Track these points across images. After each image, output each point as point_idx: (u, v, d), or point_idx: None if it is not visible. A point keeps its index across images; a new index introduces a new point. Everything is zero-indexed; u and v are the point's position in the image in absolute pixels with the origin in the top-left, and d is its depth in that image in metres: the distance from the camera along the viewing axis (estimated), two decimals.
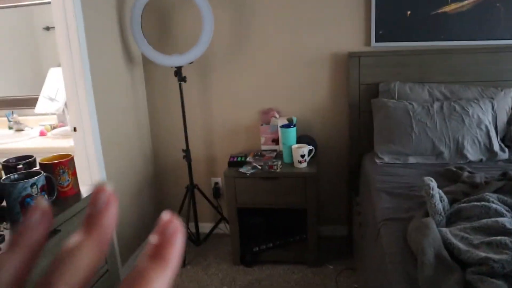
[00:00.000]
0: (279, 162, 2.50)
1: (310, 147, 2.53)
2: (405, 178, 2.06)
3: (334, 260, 2.67)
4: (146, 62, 2.92)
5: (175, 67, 2.65)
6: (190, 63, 2.63)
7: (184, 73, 2.71)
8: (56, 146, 2.54)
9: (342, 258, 2.69)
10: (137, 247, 2.82)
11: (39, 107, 2.85)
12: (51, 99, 2.83)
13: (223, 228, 3.11)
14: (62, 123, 3.05)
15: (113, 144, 2.56)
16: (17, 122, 3.09)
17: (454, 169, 2.03)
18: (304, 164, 2.51)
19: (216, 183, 3.05)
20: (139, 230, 2.86)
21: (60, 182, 1.42)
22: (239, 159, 2.63)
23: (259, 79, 2.80)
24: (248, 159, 2.66)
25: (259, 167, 2.53)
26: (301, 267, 2.61)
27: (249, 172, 2.49)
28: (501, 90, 2.48)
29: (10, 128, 3.11)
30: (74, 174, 1.48)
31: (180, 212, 2.96)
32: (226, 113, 2.90)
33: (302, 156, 2.49)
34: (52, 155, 1.48)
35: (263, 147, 2.82)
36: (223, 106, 2.89)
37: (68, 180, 1.44)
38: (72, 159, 1.47)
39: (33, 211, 0.26)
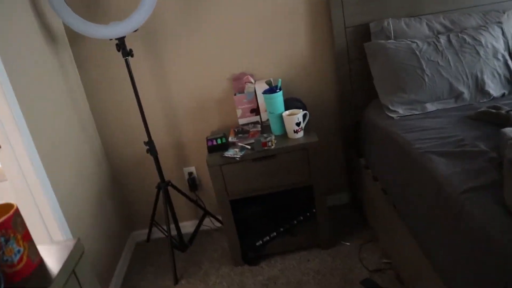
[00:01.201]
0: (272, 137, 2.04)
1: (304, 111, 2.09)
2: (438, 131, 1.70)
3: (347, 236, 2.32)
4: (74, 39, 2.27)
5: (116, 39, 2.05)
6: (135, 31, 2.04)
7: (128, 45, 2.12)
8: None
9: (355, 230, 2.35)
10: (111, 276, 2.28)
11: None
12: None
13: (208, 223, 2.64)
14: None
15: (56, 155, 1.95)
16: None
17: (493, 110, 1.70)
18: (301, 133, 2.08)
19: (190, 173, 2.54)
20: (107, 252, 2.31)
21: (4, 259, 0.87)
22: (219, 141, 2.13)
23: (222, 40, 2.27)
24: (230, 139, 2.17)
25: (248, 147, 2.06)
26: (315, 251, 2.24)
27: (238, 156, 2.02)
28: (504, 13, 2.16)
29: None
30: (27, 236, 0.93)
31: (154, 217, 2.44)
32: (189, 87, 2.36)
33: (298, 124, 2.05)
34: None
35: (242, 121, 2.33)
36: (184, 80, 2.34)
37: (18, 251, 0.89)
38: (16, 212, 0.92)
39: None
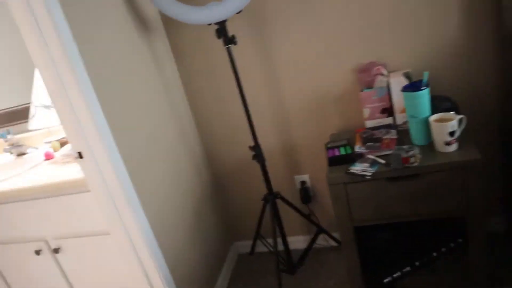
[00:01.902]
0: (416, 150, 1.53)
1: (460, 116, 1.54)
2: None
3: (509, 277, 1.74)
4: (170, 25, 1.95)
5: (216, 24, 1.68)
6: (238, 13, 1.65)
7: (231, 30, 1.74)
8: (71, 179, 1.66)
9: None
10: None
11: (34, 121, 1.98)
12: (47, 107, 1.94)
13: (323, 240, 2.23)
14: None
15: (146, 163, 1.66)
16: (15, 145, 2.24)
17: None
18: (455, 146, 1.54)
19: (303, 183, 2.12)
20: (207, 263, 2.01)
21: None
22: (342, 150, 1.68)
23: (345, 20, 1.78)
24: (357, 149, 1.70)
25: (382, 162, 1.58)
26: None
27: (368, 173, 1.55)
28: None
29: (9, 152, 2.27)
30: None
31: (259, 230, 2.09)
32: (303, 81, 1.92)
33: (452, 133, 1.51)
34: None
35: (370, 123, 1.85)
36: (297, 71, 1.91)
37: None
38: None
39: None
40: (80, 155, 1.42)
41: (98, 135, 1.38)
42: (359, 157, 1.66)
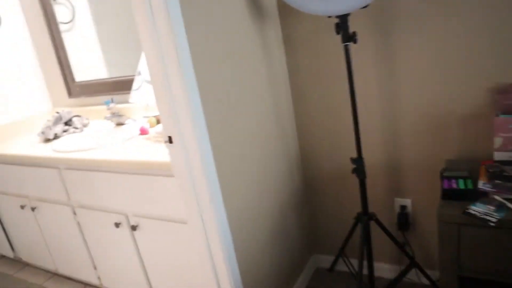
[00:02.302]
0: None
1: None
2: None
3: None
4: (285, 14, 1.80)
5: (337, 17, 1.49)
6: (364, 7, 1.44)
7: (352, 26, 1.54)
8: (159, 162, 1.60)
9: None
10: None
11: (136, 94, 1.96)
12: (149, 82, 1.91)
13: (414, 275, 1.96)
14: None
15: (236, 156, 1.54)
16: (115, 114, 2.27)
17: None
18: None
19: (403, 208, 1.87)
20: (284, 269, 1.86)
21: None
22: (461, 184, 1.41)
23: (488, 25, 1.48)
24: (481, 185, 1.41)
25: None
26: None
27: (493, 219, 1.26)
28: None
29: (109, 120, 2.31)
30: None
31: (343, 250, 1.88)
32: (424, 93, 1.66)
33: None
34: None
35: (499, 156, 1.53)
36: (419, 81, 1.65)
37: None
38: None
39: None
40: (170, 140, 1.34)
41: (191, 123, 1.28)
42: (483, 195, 1.37)
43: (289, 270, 1.96)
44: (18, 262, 2.85)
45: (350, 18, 1.65)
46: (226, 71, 1.47)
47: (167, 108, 1.30)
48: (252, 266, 1.67)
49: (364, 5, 1.41)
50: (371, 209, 1.92)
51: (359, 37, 1.65)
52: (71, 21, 2.51)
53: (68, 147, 2.04)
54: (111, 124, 2.31)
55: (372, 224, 1.93)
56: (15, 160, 2.20)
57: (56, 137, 2.29)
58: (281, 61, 1.84)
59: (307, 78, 1.85)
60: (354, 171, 1.66)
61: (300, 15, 1.76)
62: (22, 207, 2.34)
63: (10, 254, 2.75)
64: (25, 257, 2.68)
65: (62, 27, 2.57)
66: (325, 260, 2.19)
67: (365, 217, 1.71)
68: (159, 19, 1.21)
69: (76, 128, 2.36)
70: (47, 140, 2.28)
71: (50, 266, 2.49)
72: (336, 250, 2.15)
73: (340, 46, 1.72)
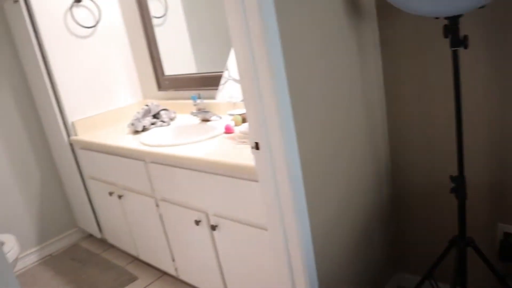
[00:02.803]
0: None
1: None
2: None
3: None
4: (385, 14, 1.66)
5: (446, 19, 1.33)
6: (481, 7, 1.27)
7: (463, 30, 1.37)
8: (243, 165, 1.56)
9: None
10: None
11: (223, 92, 1.94)
12: (237, 81, 1.87)
13: None
14: None
15: (323, 166, 1.46)
16: (201, 110, 2.28)
17: None
18: None
19: (508, 235, 1.66)
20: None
21: None
22: None
23: None
24: None
25: None
26: None
27: None
28: None
29: (195, 116, 2.33)
30: None
31: (432, 273, 1.72)
32: None
33: None
34: None
35: None
36: None
37: None
38: None
39: None
40: (257, 146, 1.28)
41: (280, 130, 1.21)
42: None
43: (370, 286, 1.84)
44: (104, 243, 3.01)
45: (462, 20, 1.48)
46: (318, 75, 1.38)
47: (255, 113, 1.25)
48: (332, 279, 1.58)
49: (481, 4, 1.24)
50: (469, 233, 1.73)
51: (473, 41, 1.47)
52: (163, 15, 2.56)
53: (155, 141, 2.08)
54: (196, 120, 2.33)
55: (470, 250, 1.74)
56: (107, 149, 2.30)
57: (144, 129, 2.36)
58: (376, 65, 1.71)
59: (405, 85, 1.70)
60: (453, 190, 1.50)
61: (402, 16, 1.61)
62: (111, 194, 2.45)
63: (97, 234, 2.91)
64: (110, 239, 2.82)
65: (154, 22, 2.64)
66: (409, 280, 2.03)
67: (462, 242, 1.54)
68: (252, 17, 1.15)
69: (163, 121, 2.41)
70: (136, 132, 2.36)
71: (132, 251, 2.59)
72: (422, 271, 1.98)
73: (448, 52, 1.55)
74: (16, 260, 2.31)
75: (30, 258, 2.95)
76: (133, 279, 2.53)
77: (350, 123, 1.58)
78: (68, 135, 2.66)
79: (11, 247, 2.30)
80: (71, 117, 2.60)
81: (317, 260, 1.48)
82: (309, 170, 1.38)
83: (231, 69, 1.90)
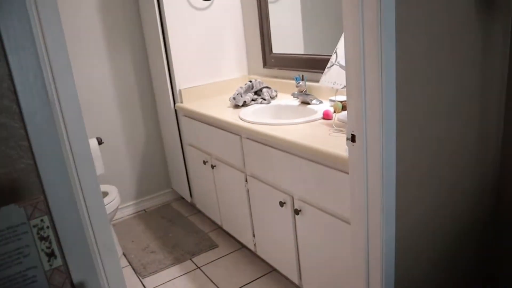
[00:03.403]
0: None
1: None
2: None
3: None
4: None
5: None
6: None
7: None
8: (337, 155, 1.51)
9: None
10: None
11: (327, 76, 1.89)
12: (343, 67, 1.81)
13: None
14: None
15: (420, 167, 1.36)
16: (303, 92, 2.26)
17: None
18: None
19: None
20: None
21: None
22: None
23: None
24: None
25: None
26: None
27: None
28: None
29: (295, 97, 2.32)
30: None
31: None
32: None
33: None
34: None
35: None
36: None
37: None
38: None
39: None
40: (353, 138, 1.23)
41: (379, 125, 1.15)
42: None
43: None
44: (192, 207, 3.18)
45: None
46: (429, 72, 1.27)
47: (356, 104, 1.19)
48: (409, 286, 1.49)
49: None
50: None
51: None
52: None
53: (253, 118, 2.11)
54: (296, 102, 2.31)
55: None
56: (207, 119, 2.40)
57: (244, 104, 2.40)
58: (502, 64, 1.53)
59: None
60: None
61: None
62: (205, 162, 2.56)
63: (188, 198, 3.08)
64: (199, 205, 2.96)
65: None
66: None
67: None
68: (367, 4, 1.09)
69: (264, 99, 2.43)
70: (236, 106, 2.41)
71: (217, 220, 2.70)
72: None
73: None
74: (116, 210, 2.53)
75: (127, 210, 3.22)
76: (213, 246, 2.63)
77: (458, 126, 1.44)
78: (174, 102, 2.81)
79: (114, 197, 2.52)
80: (179, 85, 2.74)
81: (397, 263, 1.40)
82: (404, 170, 1.29)
83: (339, 54, 1.84)
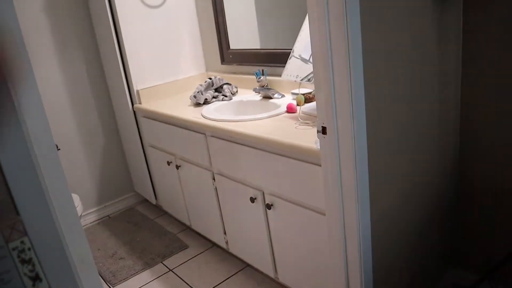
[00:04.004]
0: None
1: None
2: None
3: None
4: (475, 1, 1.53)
5: None
6: None
7: None
8: (306, 147, 1.52)
9: None
10: None
11: (288, 70, 1.90)
12: (304, 60, 1.82)
13: None
14: None
15: (390, 155, 1.40)
16: (264, 87, 2.26)
17: None
18: None
19: None
20: (411, 286, 1.70)
21: None
22: None
23: None
24: None
25: None
26: None
27: None
28: None
29: (257, 92, 2.31)
30: None
31: (492, 274, 1.63)
32: None
33: None
34: None
35: None
36: None
37: None
38: None
39: None
40: (324, 131, 1.24)
41: (350, 115, 1.17)
42: None
43: (422, 280, 1.78)
44: (158, 209, 3.12)
45: None
46: (394, 62, 1.31)
47: (326, 97, 1.21)
48: (386, 270, 1.54)
49: None
50: None
51: None
52: None
53: (216, 115, 2.09)
54: (258, 97, 2.31)
55: None
56: (169, 119, 2.35)
57: (206, 102, 2.38)
58: (457, 56, 1.59)
59: (487, 78, 1.58)
60: None
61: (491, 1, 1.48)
62: (169, 163, 2.51)
63: (153, 200, 3.01)
64: (165, 206, 2.91)
65: None
66: (465, 277, 1.94)
67: None
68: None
69: (225, 96, 2.41)
70: (197, 104, 2.38)
71: (185, 220, 2.66)
72: (481, 270, 1.88)
73: None
74: (79, 217, 2.44)
75: (90, 218, 3.11)
76: (183, 247, 2.60)
77: (420, 115, 1.50)
78: (132, 103, 2.73)
79: (76, 205, 2.43)
80: (136, 86, 2.67)
81: (373, 250, 1.44)
82: (375, 158, 1.32)
83: (299, 47, 1.86)
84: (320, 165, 1.38)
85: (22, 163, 0.71)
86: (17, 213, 0.70)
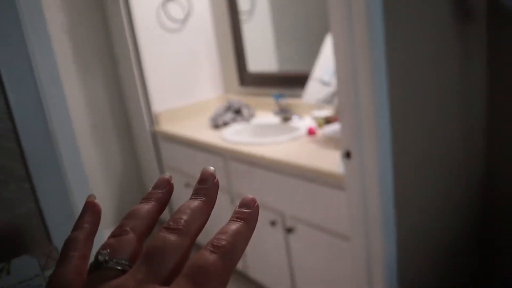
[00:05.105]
0: None
1: None
2: None
3: None
4: (496, 17, 1.52)
5: None
6: None
7: None
8: (329, 171, 1.50)
9: None
10: None
11: (309, 93, 1.90)
12: (323, 83, 1.82)
13: None
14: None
15: (416, 179, 1.37)
16: (283, 110, 2.26)
17: None
18: None
19: None
20: None
21: None
22: None
23: None
24: None
25: None
26: None
27: None
28: None
29: (276, 115, 2.31)
30: None
31: None
32: None
33: None
34: None
35: None
36: None
37: None
38: None
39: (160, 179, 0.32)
40: (348, 155, 1.23)
41: (376, 140, 1.15)
42: None
43: None
44: None
45: None
46: (419, 86, 1.30)
47: (350, 122, 1.20)
48: None
49: None
50: None
51: None
52: (250, 10, 2.57)
53: (236, 138, 2.09)
54: (277, 119, 2.31)
55: None
56: (188, 142, 2.35)
57: (224, 124, 2.38)
58: (480, 74, 1.58)
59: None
60: None
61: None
62: (186, 185, 2.50)
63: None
64: None
65: (242, 16, 2.65)
66: None
67: None
68: (358, 22, 1.10)
69: (244, 118, 2.41)
70: (216, 127, 2.39)
71: (203, 244, 2.63)
72: None
73: None
74: None
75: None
76: None
77: (446, 136, 1.47)
78: (151, 125, 2.75)
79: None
80: (155, 108, 2.69)
81: (399, 277, 1.40)
82: (401, 183, 1.30)
83: (319, 70, 1.86)
84: (343, 189, 1.36)
85: (56, 193, 0.71)
86: (49, 239, 0.69)
